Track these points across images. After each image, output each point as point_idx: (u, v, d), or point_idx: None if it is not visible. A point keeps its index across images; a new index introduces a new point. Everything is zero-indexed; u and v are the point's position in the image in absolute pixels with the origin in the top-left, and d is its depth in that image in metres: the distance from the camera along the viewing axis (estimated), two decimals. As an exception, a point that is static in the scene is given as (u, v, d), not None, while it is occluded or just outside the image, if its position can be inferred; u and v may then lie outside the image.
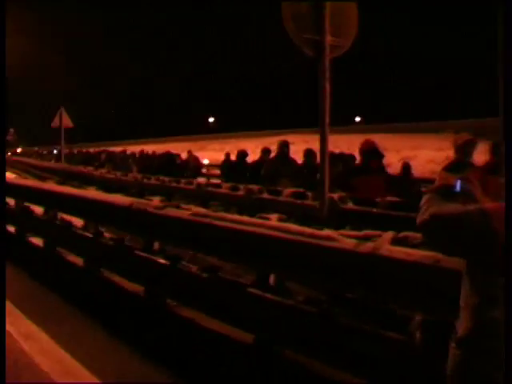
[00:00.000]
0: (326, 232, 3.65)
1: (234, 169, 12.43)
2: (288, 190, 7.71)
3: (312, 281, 3.88)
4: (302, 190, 7.78)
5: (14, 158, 37.06)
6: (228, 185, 9.45)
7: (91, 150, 35.28)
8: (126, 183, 13.71)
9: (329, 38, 6.14)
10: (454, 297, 1.88)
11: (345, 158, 8.65)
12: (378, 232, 4.22)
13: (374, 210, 6.29)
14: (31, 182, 8.92)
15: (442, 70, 60.93)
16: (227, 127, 59.33)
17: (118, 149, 29.01)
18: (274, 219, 4.50)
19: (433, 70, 61.47)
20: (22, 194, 8.89)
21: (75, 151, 35.61)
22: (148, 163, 19.79)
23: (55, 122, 20.72)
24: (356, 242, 3.48)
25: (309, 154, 9.26)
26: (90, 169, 17.58)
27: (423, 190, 7.39)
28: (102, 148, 35.18)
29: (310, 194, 7.30)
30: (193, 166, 20.92)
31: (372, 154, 7.18)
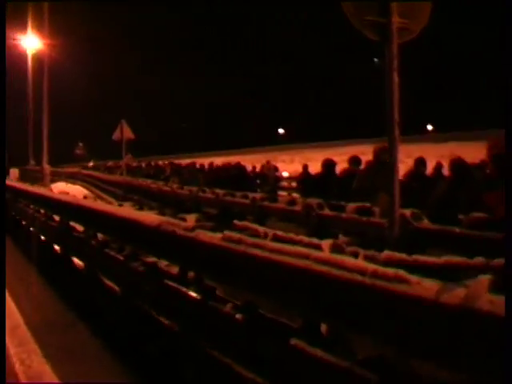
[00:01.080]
0: (395, 272, 2.55)
1: (318, 182, 10.13)
2: (352, 206, 6.59)
3: (373, 336, 2.78)
4: (367, 204, 6.66)
5: (84, 171, 37.29)
6: (286, 199, 8.40)
7: (160, 162, 34.30)
8: (182, 197, 12.92)
9: (396, 20, 5.04)
10: None
11: (468, 169, 7.15)
12: (462, 259, 3.43)
13: (457, 229, 5.08)
14: (68, 198, 8.17)
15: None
16: (297, 138, 58.41)
17: (186, 161, 27.95)
18: (327, 248, 3.42)
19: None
20: (61, 209, 8.18)
21: (143, 164, 35.31)
22: (217, 176, 18.38)
23: (116, 135, 20.37)
24: (438, 287, 2.37)
25: (420, 162, 8.04)
26: (148, 182, 16.97)
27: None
28: (169, 160, 34.31)
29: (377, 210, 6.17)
30: (271, 179, 19.35)
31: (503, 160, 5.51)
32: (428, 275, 4.67)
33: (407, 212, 5.33)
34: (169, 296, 4.75)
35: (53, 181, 36.38)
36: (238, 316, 3.79)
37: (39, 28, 35.39)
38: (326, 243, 3.49)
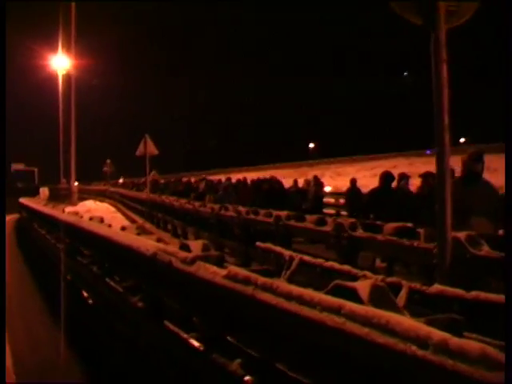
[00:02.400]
0: (481, 350, 1.59)
1: (373, 198, 8.78)
2: (390, 226, 5.62)
3: None
4: (409, 224, 5.68)
5: (112, 189, 36.81)
6: (313, 218, 7.44)
7: (192, 179, 32.11)
8: (203, 214, 12.06)
9: (444, 2, 4.11)
10: None
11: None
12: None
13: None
14: (70, 218, 7.38)
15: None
16: (328, 153, 57.34)
17: (218, 177, 26.26)
18: (365, 292, 2.46)
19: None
20: (64, 230, 7.39)
21: (172, 180, 34.30)
22: (253, 192, 15.64)
23: (140, 150, 19.68)
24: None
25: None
26: (171, 199, 16.16)
27: None
28: (200, 176, 31.95)
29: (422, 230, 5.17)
30: (312, 195, 17.61)
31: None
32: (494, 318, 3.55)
33: (461, 235, 4.35)
34: (168, 342, 3.85)
35: (82, 199, 36.11)
36: (247, 379, 2.87)
37: (69, 49, 35.55)
38: (365, 285, 2.54)
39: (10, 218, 26.78)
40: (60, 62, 40.91)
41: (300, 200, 17.30)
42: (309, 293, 2.35)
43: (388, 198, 8.39)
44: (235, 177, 22.28)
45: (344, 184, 23.33)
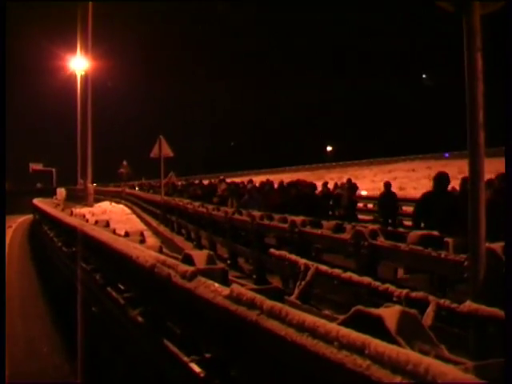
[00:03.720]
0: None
1: (426, 203, 7.63)
2: (415, 234, 5.17)
3: None
4: (435, 232, 5.22)
5: (127, 190, 36.60)
6: (331, 224, 7.00)
7: (213, 180, 29.85)
8: (217, 218, 11.64)
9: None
10: None
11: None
12: None
13: None
14: (74, 222, 7.02)
15: None
16: (346, 156, 56.69)
17: (237, 180, 24.71)
18: (393, 321, 2.03)
19: None
20: (67, 233, 7.04)
21: (193, 182, 33.51)
22: (279, 198, 13.67)
23: (154, 152, 19.31)
24: None
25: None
26: (184, 202, 15.77)
27: None
28: (220, 178, 29.59)
29: (450, 240, 4.71)
30: (346, 199, 16.00)
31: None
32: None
33: (497, 246, 3.89)
34: (168, 364, 3.43)
35: (98, 200, 36.01)
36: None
37: (87, 49, 35.56)
38: (392, 312, 2.10)
39: (25, 219, 26.75)
40: (78, 63, 40.96)
41: (333, 206, 16.13)
42: (325, 324, 1.91)
43: (443, 203, 7.25)
44: (255, 179, 21.01)
45: (363, 187, 22.65)
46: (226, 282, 3.11)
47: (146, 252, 3.93)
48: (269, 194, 14.57)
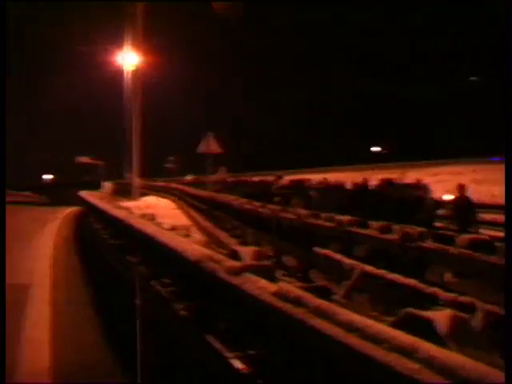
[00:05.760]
0: None
1: None
2: (465, 237, 5.05)
3: None
4: (484, 236, 5.10)
5: (173, 185, 36.95)
6: (378, 224, 6.91)
7: (269, 177, 27.39)
8: (263, 215, 11.65)
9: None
10: None
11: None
12: None
13: None
14: (121, 214, 7.12)
15: None
16: (393, 157, 55.84)
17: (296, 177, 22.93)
18: (444, 325, 1.98)
19: None
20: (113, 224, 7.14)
21: (246, 179, 32.86)
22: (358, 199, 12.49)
23: (202, 148, 19.49)
24: None
25: None
26: (230, 198, 15.85)
27: None
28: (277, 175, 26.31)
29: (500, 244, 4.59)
30: (428, 204, 14.07)
31: None
32: None
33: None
34: (210, 359, 3.45)
35: (144, 194, 36.45)
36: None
37: (137, 44, 36.03)
38: (443, 316, 2.06)
39: (71, 211, 27.26)
40: (128, 58, 41.55)
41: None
42: (375, 325, 1.89)
43: None
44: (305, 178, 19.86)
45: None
46: (272, 278, 3.10)
47: (192, 246, 3.96)
48: (341, 194, 13.46)
